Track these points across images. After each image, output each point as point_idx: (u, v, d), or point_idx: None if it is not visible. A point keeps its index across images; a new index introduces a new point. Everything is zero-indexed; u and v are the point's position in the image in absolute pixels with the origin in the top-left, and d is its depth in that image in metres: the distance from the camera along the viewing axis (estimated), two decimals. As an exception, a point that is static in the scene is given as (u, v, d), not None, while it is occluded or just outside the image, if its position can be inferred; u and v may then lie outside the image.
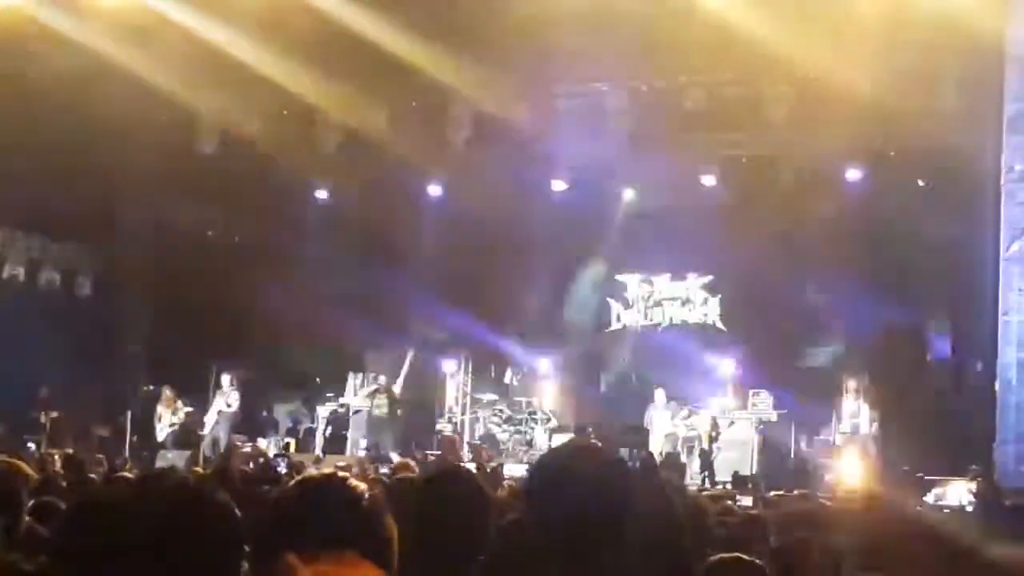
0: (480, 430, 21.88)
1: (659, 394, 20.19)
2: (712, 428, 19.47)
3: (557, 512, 3.11)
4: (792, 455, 19.33)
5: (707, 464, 19.12)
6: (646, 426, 19.85)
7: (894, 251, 19.87)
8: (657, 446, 19.26)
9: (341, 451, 20.11)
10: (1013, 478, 13.78)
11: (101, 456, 16.30)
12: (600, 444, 3.55)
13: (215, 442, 19.65)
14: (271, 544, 2.61)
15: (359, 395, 21.48)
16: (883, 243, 20.01)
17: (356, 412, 21.19)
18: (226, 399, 20.17)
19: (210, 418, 20.15)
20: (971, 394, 17.87)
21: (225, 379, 20.37)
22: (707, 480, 18.42)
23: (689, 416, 19.85)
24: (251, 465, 14.96)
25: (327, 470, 2.95)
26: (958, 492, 14.18)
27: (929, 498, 14.09)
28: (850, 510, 7.41)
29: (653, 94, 18.53)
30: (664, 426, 19.84)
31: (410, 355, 21.97)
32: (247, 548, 2.58)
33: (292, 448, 20.37)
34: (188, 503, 2.57)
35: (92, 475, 11.42)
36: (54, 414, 19.77)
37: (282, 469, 14.30)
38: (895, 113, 16.70)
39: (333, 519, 2.64)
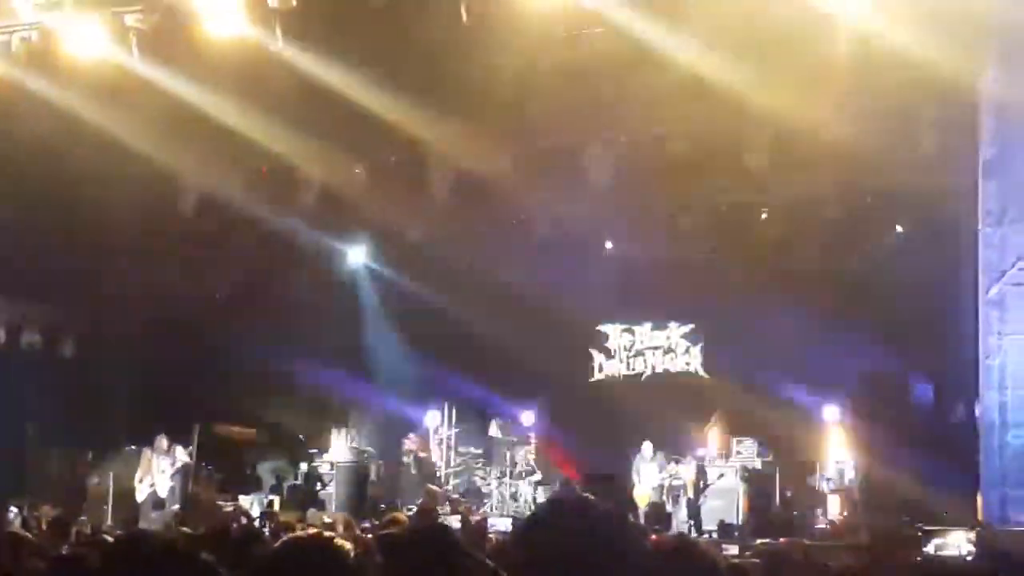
0: (464, 484, 21.80)
1: (646, 446, 20.19)
2: (697, 477, 19.45)
3: (549, 567, 3.09)
4: (778, 503, 19.28)
5: (693, 513, 19.09)
6: (633, 476, 19.83)
7: (875, 295, 19.94)
8: (644, 497, 19.25)
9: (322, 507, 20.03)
10: (998, 522, 13.74)
11: (84, 518, 16.23)
12: (589, 497, 3.53)
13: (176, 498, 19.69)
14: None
15: (343, 451, 21.48)
16: (863, 287, 20.09)
17: (341, 467, 21.14)
18: (171, 459, 20.18)
19: (162, 481, 20.14)
20: (955, 438, 17.87)
21: (163, 437, 20.30)
22: (693, 529, 18.38)
23: (674, 465, 19.84)
24: (236, 524, 14.83)
25: (312, 529, 2.94)
26: (958, 542, 14.10)
27: (929, 548, 14.01)
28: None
29: (631, 145, 18.59)
30: (652, 478, 19.82)
31: None
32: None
33: (276, 505, 20.28)
34: (173, 564, 2.54)
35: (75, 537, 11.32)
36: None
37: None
38: (871, 158, 16.79)
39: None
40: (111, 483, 20.56)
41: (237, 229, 20.86)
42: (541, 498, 20.49)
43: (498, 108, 17.64)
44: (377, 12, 16.23)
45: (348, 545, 2.71)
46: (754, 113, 15.98)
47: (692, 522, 18.81)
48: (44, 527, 14.26)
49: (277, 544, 2.81)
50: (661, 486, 19.66)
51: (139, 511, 19.76)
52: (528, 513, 17.08)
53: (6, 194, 18.52)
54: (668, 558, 4.42)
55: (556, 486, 20.75)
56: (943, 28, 13.79)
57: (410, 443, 21.79)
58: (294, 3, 16.04)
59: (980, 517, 14.22)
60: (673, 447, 20.34)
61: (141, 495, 20.16)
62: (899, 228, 20.00)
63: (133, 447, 21.05)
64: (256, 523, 14.87)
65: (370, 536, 7.31)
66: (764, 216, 20.49)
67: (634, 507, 18.97)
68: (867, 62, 15.08)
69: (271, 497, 20.94)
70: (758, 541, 16.65)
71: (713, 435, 20.05)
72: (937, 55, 14.15)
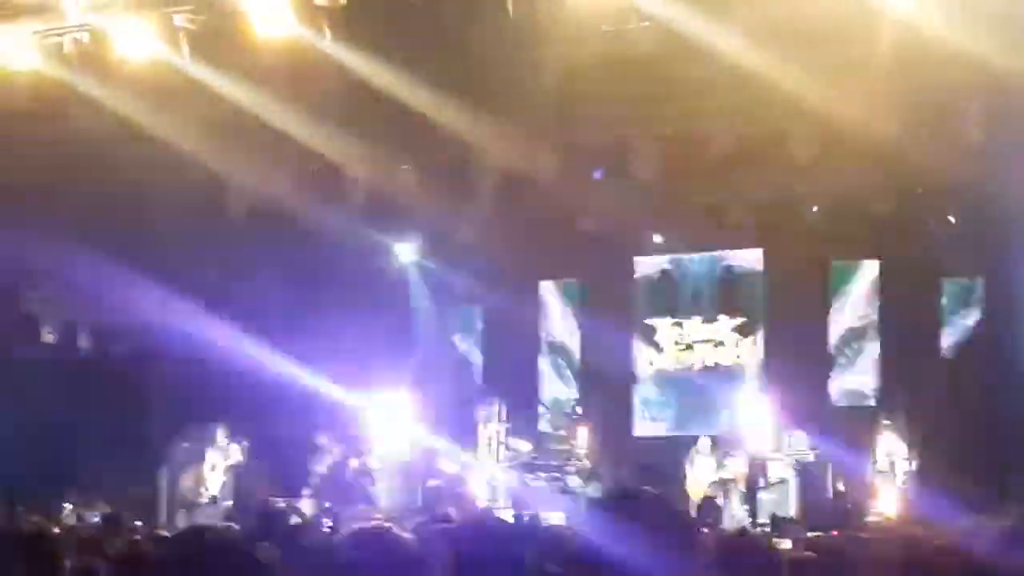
0: (514, 480, 21.77)
1: (703, 441, 20.18)
2: (752, 471, 19.37)
3: (615, 560, 3.09)
4: (831, 495, 19.15)
5: (748, 507, 19.02)
6: (687, 468, 19.79)
7: (926, 286, 19.85)
8: (698, 491, 19.22)
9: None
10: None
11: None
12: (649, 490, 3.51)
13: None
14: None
15: (390, 447, 21.55)
16: (914, 280, 20.01)
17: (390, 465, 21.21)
18: (225, 455, 20.35)
19: (215, 478, 20.32)
20: (1006, 423, 17.79)
21: (221, 431, 20.50)
22: (747, 524, 18.30)
23: (726, 458, 19.79)
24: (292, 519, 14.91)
25: (373, 522, 2.96)
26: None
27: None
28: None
29: (677, 138, 18.54)
30: (707, 472, 19.76)
31: None
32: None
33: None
34: (227, 556, 2.56)
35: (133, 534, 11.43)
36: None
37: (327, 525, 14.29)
38: (919, 150, 16.68)
39: (386, 564, 2.64)
40: (165, 482, 20.69)
41: (286, 228, 20.92)
42: (592, 492, 20.48)
43: (543, 104, 17.64)
44: (423, 10, 16.35)
45: (410, 535, 2.73)
46: (801, 106, 15.90)
47: (747, 516, 18.73)
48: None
49: (341, 535, 2.83)
50: (715, 481, 19.59)
51: (194, 508, 19.93)
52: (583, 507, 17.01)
53: (58, 195, 18.68)
54: (730, 551, 4.42)
55: (607, 481, 20.72)
56: (989, 18, 13.69)
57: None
58: (342, 2, 16.15)
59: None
60: (724, 441, 20.29)
61: (195, 493, 20.34)
62: (951, 219, 19.83)
63: (187, 444, 21.17)
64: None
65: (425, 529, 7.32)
66: (815, 210, 20.40)
67: (687, 500, 18.96)
68: (913, 54, 15.00)
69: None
70: (811, 534, 16.57)
71: (764, 428, 19.91)
72: (983, 45, 14.05)
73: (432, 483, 21.17)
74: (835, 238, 20.32)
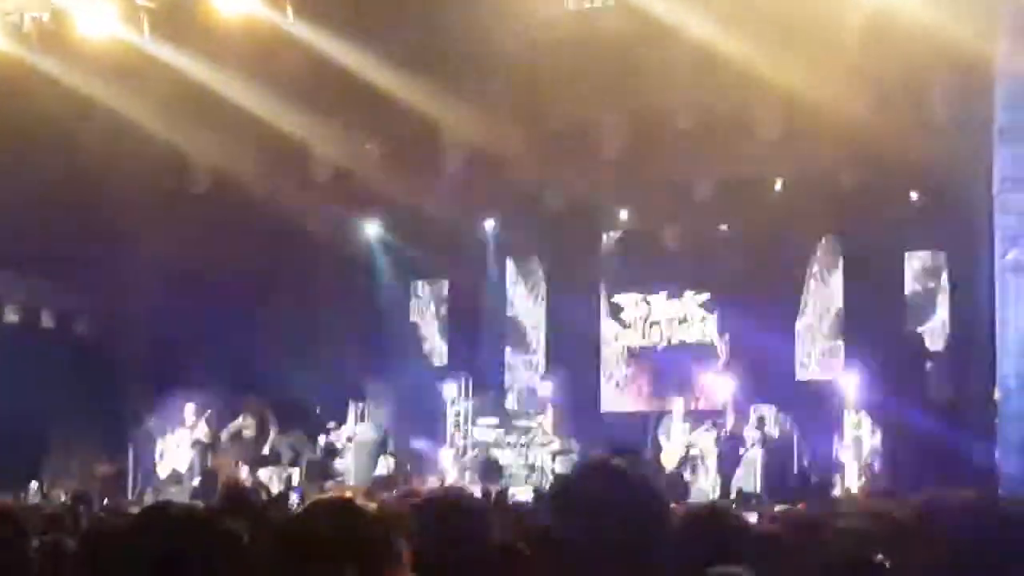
0: (481, 455, 21.83)
1: (677, 405, 20.21)
2: (718, 445, 19.45)
3: (580, 534, 3.11)
4: (796, 471, 19.30)
5: (720, 480, 19.10)
6: (661, 438, 19.82)
7: (890, 264, 19.97)
8: (674, 459, 19.26)
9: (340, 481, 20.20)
10: (1019, 486, 13.71)
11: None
12: (618, 464, 3.51)
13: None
14: (289, 564, 2.62)
15: (360, 424, 21.59)
16: (878, 256, 20.14)
17: (356, 442, 21.25)
18: (193, 432, 20.36)
19: (183, 456, 20.32)
20: (972, 404, 17.90)
21: (189, 408, 20.48)
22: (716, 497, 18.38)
23: (702, 430, 19.79)
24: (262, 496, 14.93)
25: (333, 494, 2.97)
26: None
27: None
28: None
29: (643, 116, 18.57)
30: (681, 439, 19.78)
31: None
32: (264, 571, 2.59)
33: (295, 479, 20.42)
34: (193, 532, 2.57)
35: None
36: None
37: (294, 501, 14.32)
38: (884, 128, 16.76)
39: (347, 537, 2.65)
40: (131, 460, 20.66)
41: (250, 207, 20.87)
42: (559, 468, 20.55)
43: (509, 83, 17.63)
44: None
45: (372, 506, 2.74)
46: (765, 85, 15.94)
47: (713, 490, 18.82)
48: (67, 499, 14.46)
49: (301, 507, 2.84)
50: (687, 449, 19.58)
51: (160, 485, 19.94)
52: (551, 483, 17.04)
53: (18, 174, 18.56)
54: (700, 525, 4.45)
55: (574, 456, 20.80)
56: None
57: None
58: (304, -20, 16.09)
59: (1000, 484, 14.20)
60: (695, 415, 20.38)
61: (163, 471, 20.37)
62: (914, 196, 19.96)
63: (153, 422, 21.13)
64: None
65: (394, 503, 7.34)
66: (778, 188, 20.48)
67: (663, 472, 19.03)
68: (879, 33, 15.06)
69: (290, 471, 21.01)
70: (776, 508, 16.66)
71: (729, 404, 19.98)
72: (949, 25, 14.13)
73: (399, 459, 21.23)
74: (800, 213, 20.39)
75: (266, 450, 21.08)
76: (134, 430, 21.42)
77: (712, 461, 19.44)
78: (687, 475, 19.25)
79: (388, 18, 16.95)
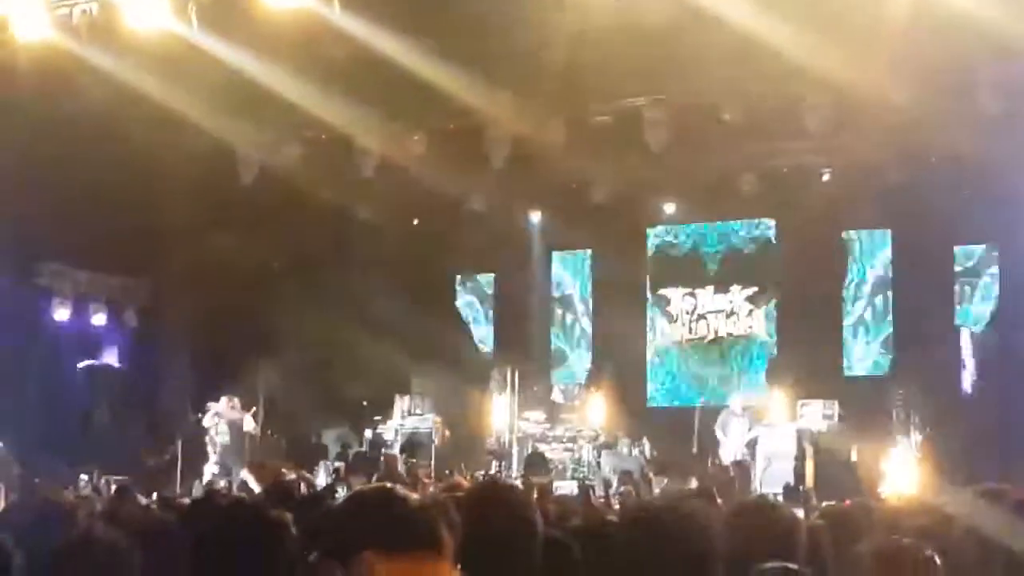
0: (528, 449, 21.95)
1: (735, 400, 20.13)
2: (764, 441, 19.39)
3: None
4: (844, 466, 19.24)
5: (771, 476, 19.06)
6: (718, 432, 19.70)
7: (935, 256, 19.89)
8: (735, 454, 19.20)
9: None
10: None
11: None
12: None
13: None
14: (342, 546, 2.70)
15: (408, 418, 21.77)
16: (924, 249, 20.06)
17: (403, 435, 21.41)
18: (237, 425, 20.60)
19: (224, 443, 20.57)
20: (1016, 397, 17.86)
21: (236, 402, 20.77)
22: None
23: (759, 426, 19.67)
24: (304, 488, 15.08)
25: (376, 484, 3.05)
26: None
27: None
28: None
29: (688, 107, 18.57)
30: (740, 434, 19.76)
31: None
32: (310, 558, 2.67)
33: (343, 472, 20.57)
34: (243, 520, 2.65)
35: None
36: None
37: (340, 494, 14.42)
38: (932, 121, 16.70)
39: (396, 522, 2.73)
40: (179, 452, 20.88)
41: (296, 200, 21.05)
42: (604, 462, 20.63)
43: (553, 75, 17.66)
44: (432, -20, 16.36)
45: (414, 495, 2.81)
46: (810, 75, 15.90)
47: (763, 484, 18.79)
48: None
49: (350, 495, 2.93)
50: (754, 441, 19.43)
51: (209, 478, 20.16)
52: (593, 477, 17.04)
53: (67, 166, 18.78)
54: (749, 517, 4.52)
55: (620, 449, 20.89)
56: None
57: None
58: (351, -28, 16.19)
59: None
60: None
61: (209, 465, 20.61)
62: (965, 192, 19.84)
63: (200, 415, 21.34)
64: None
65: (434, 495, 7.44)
66: (826, 178, 20.43)
67: (722, 466, 19.00)
68: (927, 23, 14.98)
69: (338, 464, 21.18)
70: (824, 504, 16.64)
71: (777, 398, 19.98)
72: (996, 14, 14.04)
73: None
74: (848, 207, 20.34)
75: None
76: (182, 423, 21.65)
77: (763, 457, 19.38)
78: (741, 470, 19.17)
79: (433, 11, 17.03)
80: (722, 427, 19.96)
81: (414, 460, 20.87)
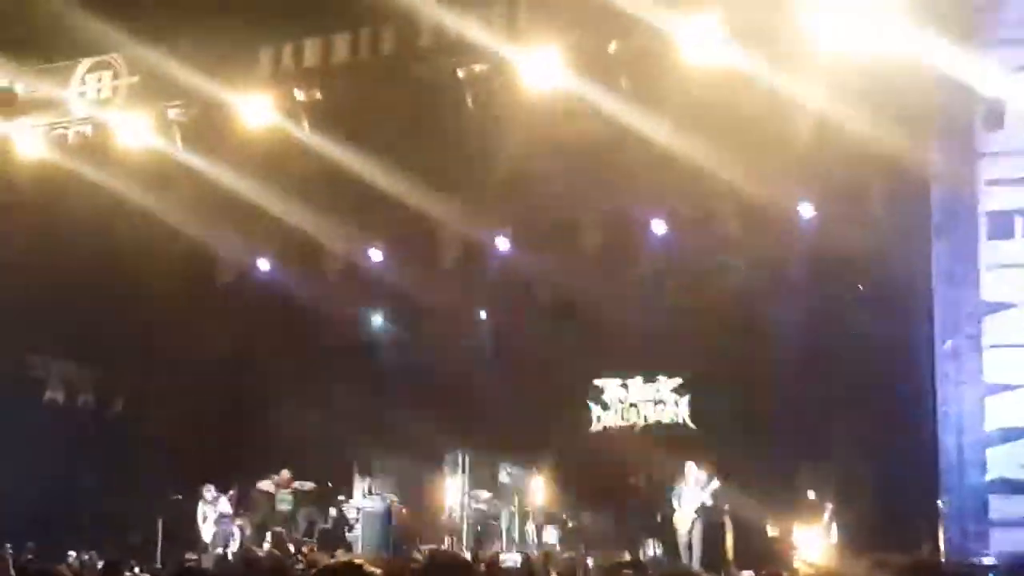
0: (479, 524, 22.03)
1: (689, 467, 19.63)
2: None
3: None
4: (759, 535, 19.25)
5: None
6: (674, 501, 19.46)
7: (838, 353, 20.00)
8: (685, 522, 19.10)
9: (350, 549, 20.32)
10: (959, 553, 13.81)
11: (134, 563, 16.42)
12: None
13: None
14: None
15: (368, 497, 21.80)
16: (827, 348, 20.14)
17: (365, 513, 21.39)
18: (215, 507, 20.59)
19: (207, 528, 20.79)
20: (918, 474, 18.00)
21: (208, 488, 21.08)
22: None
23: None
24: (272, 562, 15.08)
25: (343, 559, 3.19)
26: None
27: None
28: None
29: (616, 216, 18.99)
30: (694, 501, 19.36)
31: None
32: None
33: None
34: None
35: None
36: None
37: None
38: (832, 225, 17.17)
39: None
40: (160, 529, 20.75)
41: (269, 297, 21.23)
42: (546, 536, 20.69)
43: (498, 184, 17.96)
44: (391, 103, 16.66)
45: (378, 570, 2.93)
46: (721, 184, 16.36)
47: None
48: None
49: (312, 572, 3.06)
50: (706, 508, 19.15)
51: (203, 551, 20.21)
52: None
53: (62, 268, 18.94)
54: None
55: (560, 527, 20.96)
56: (892, 110, 14.13)
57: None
58: (319, 96, 16.48)
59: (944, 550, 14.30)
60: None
61: (207, 535, 20.96)
62: (860, 287, 20.11)
63: (179, 496, 21.26)
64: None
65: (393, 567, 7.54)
66: (739, 274, 20.62)
67: (674, 534, 18.82)
68: (826, 141, 15.39)
69: (304, 539, 21.12)
70: (743, 573, 16.73)
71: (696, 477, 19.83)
72: (887, 133, 14.46)
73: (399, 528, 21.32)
74: (756, 301, 20.53)
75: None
76: (163, 503, 21.50)
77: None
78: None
79: (393, 128, 17.34)
80: (677, 498, 19.58)
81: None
